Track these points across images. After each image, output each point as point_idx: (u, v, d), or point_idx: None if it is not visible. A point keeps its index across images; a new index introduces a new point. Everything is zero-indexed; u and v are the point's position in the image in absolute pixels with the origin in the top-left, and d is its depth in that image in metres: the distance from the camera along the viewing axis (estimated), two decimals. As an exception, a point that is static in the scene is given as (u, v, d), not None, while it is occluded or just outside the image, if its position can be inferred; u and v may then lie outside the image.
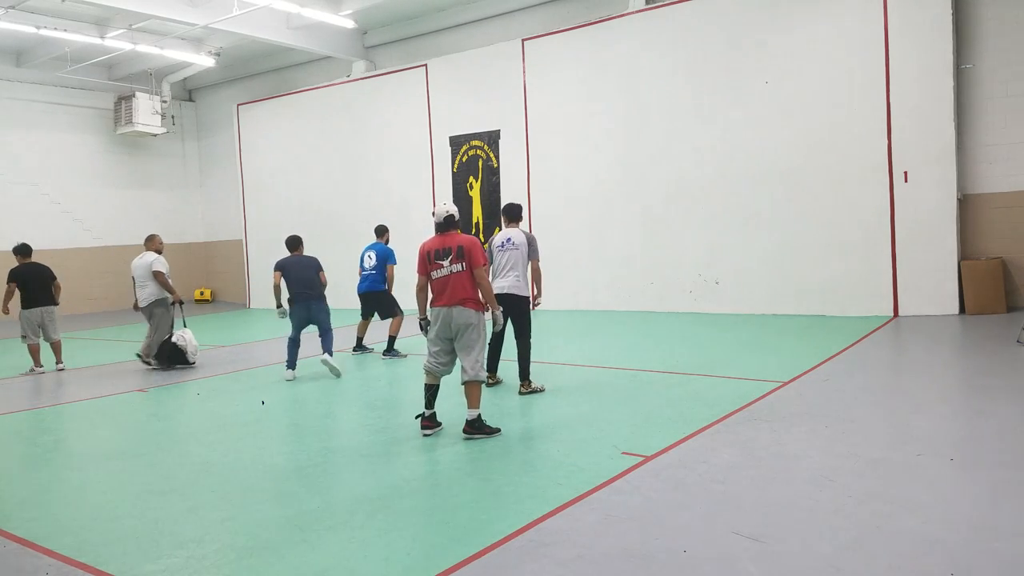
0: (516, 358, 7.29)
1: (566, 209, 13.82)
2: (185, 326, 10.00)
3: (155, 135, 19.27)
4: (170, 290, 9.72)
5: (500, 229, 8.51)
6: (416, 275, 5.86)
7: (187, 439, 6.18)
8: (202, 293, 20.74)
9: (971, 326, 9.50)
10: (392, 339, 9.76)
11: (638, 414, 6.10)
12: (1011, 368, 7.03)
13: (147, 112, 18.62)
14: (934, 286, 10.46)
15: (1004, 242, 10.51)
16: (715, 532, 3.73)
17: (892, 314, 10.70)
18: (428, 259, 5.78)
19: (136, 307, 9.86)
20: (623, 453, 5.06)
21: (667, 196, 12.65)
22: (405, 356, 9.64)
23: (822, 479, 4.35)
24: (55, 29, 14.58)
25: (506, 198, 14.58)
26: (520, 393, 7.13)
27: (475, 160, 14.98)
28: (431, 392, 5.86)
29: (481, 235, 15.01)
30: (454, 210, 5.86)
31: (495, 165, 14.72)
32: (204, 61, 17.41)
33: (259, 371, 9.39)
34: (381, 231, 10.29)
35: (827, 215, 11.18)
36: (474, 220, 15.08)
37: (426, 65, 15.46)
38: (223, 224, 20.62)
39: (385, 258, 9.85)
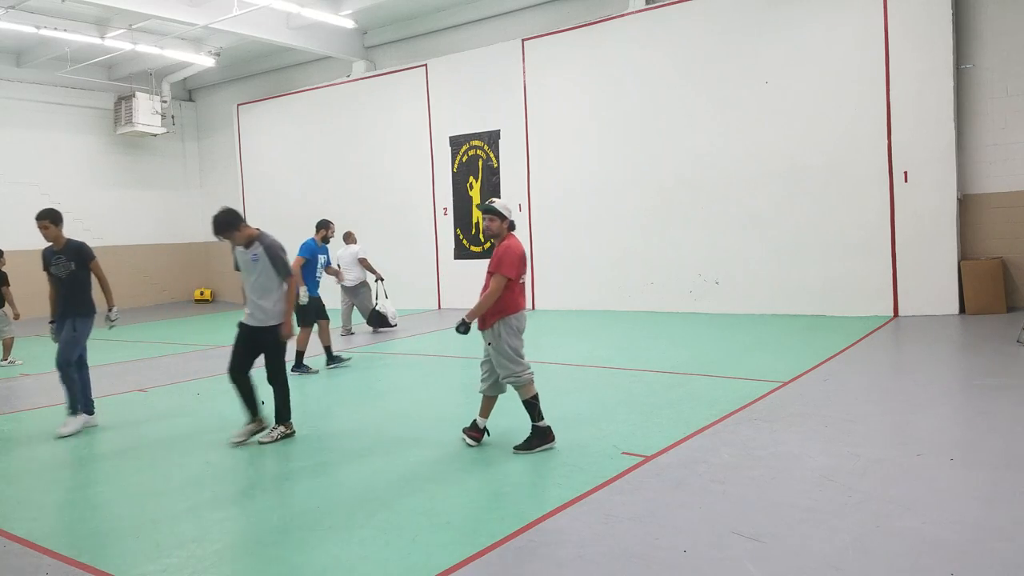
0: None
1: (566, 209, 13.82)
2: (387, 297, 12.40)
3: (155, 135, 19.27)
4: (373, 271, 12.03)
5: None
6: (502, 276, 5.21)
7: (187, 439, 6.18)
8: (202, 293, 20.74)
9: (971, 326, 9.50)
10: (301, 354, 9.06)
11: (638, 414, 6.10)
12: (1011, 368, 7.03)
13: (147, 112, 18.62)
14: (934, 286, 10.46)
15: (1004, 242, 10.51)
16: (715, 532, 3.73)
17: (892, 314, 10.70)
18: (523, 261, 5.37)
19: (343, 286, 12.06)
20: (623, 453, 5.06)
21: (667, 196, 12.65)
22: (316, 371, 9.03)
23: (822, 479, 4.35)
24: (55, 29, 14.57)
25: (506, 198, 14.60)
26: (260, 442, 5.90)
27: (475, 160, 14.97)
28: (538, 399, 5.33)
29: (481, 235, 15.02)
30: None
31: (495, 165, 14.71)
32: (204, 61, 17.41)
33: (258, 371, 9.38)
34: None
35: (827, 215, 11.18)
36: (474, 220, 15.08)
37: (426, 65, 15.46)
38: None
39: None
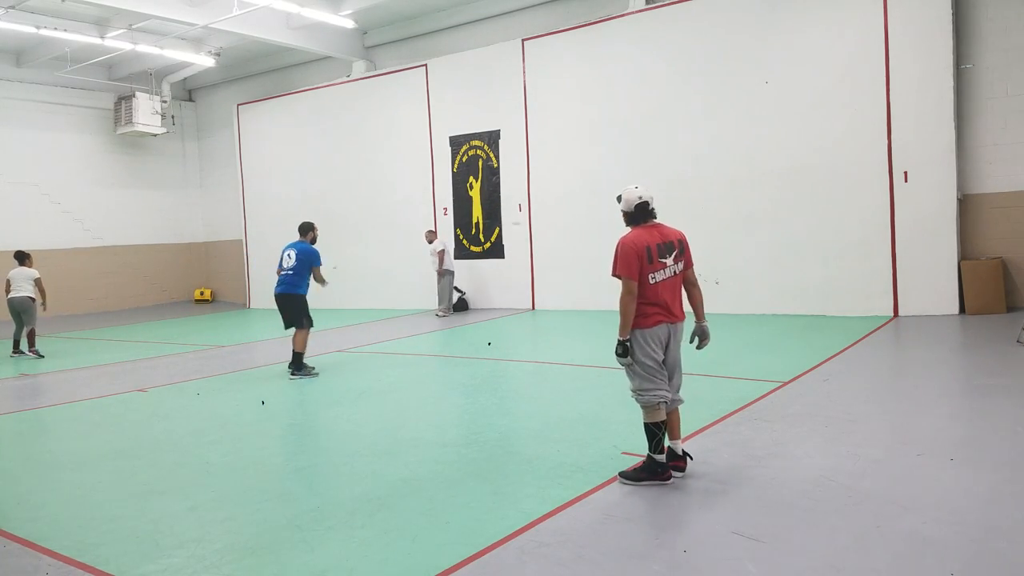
0: None
1: (566, 209, 13.82)
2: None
3: (155, 135, 19.27)
4: (440, 263, 14.13)
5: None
6: (623, 279, 4.45)
7: (187, 439, 6.18)
8: (202, 293, 20.74)
9: (971, 326, 9.50)
10: (299, 355, 8.74)
11: (638, 414, 6.07)
12: (1011, 368, 7.03)
13: (147, 112, 18.62)
14: (934, 286, 10.46)
15: (1004, 242, 10.51)
16: (715, 532, 3.73)
17: (892, 314, 10.70)
18: (648, 256, 4.47)
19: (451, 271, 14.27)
20: (623, 453, 5.06)
21: (667, 196, 12.57)
22: (317, 374, 8.77)
23: (822, 479, 4.35)
24: (55, 29, 14.57)
25: (506, 198, 14.62)
26: None
27: (475, 160, 14.97)
28: (663, 429, 4.53)
29: (481, 235, 15.02)
30: (649, 196, 4.71)
31: (495, 165, 14.71)
32: (204, 61, 17.41)
33: (259, 371, 9.39)
34: (305, 229, 9.13)
35: (827, 215, 11.18)
36: (474, 220, 15.08)
37: (426, 65, 15.46)
38: (223, 224, 20.63)
39: (310, 259, 8.82)
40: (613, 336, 5.01)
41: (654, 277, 4.49)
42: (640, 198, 4.66)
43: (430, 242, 14.22)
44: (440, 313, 14.18)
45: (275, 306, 8.96)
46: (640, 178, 13.02)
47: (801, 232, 11.41)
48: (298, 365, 8.70)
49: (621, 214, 4.77)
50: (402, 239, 15.87)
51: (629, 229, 4.71)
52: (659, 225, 4.71)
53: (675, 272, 4.61)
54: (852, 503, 3.98)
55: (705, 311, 4.85)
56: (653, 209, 4.71)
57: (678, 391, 4.70)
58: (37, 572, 3.69)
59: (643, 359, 4.47)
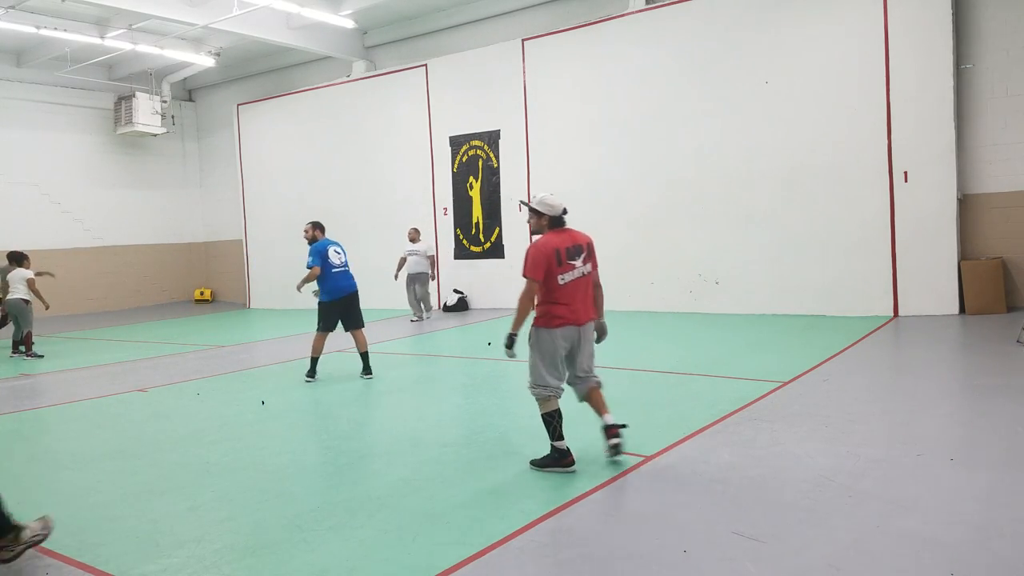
0: None
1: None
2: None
3: (155, 135, 19.26)
4: (434, 266, 14.13)
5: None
6: (528, 279, 4.71)
7: (187, 439, 6.19)
8: (202, 293, 20.74)
9: (971, 326, 9.50)
10: (365, 354, 8.56)
11: (638, 414, 6.10)
12: (1011, 368, 7.03)
13: (147, 112, 18.60)
14: (934, 286, 10.46)
15: (1004, 242, 10.51)
16: (715, 532, 3.73)
17: (892, 314, 10.70)
18: (557, 259, 4.71)
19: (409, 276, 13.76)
20: (623, 453, 5.06)
21: (667, 196, 12.64)
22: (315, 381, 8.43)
23: (822, 479, 4.35)
24: (55, 29, 14.57)
25: (506, 198, 14.61)
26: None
27: (475, 160, 14.97)
28: (558, 418, 4.83)
29: (481, 235, 15.02)
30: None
31: (495, 165, 14.71)
32: (204, 61, 17.41)
33: (259, 371, 9.40)
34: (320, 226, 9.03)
35: (827, 215, 11.18)
36: (474, 220, 15.08)
37: (426, 65, 15.46)
38: (223, 224, 20.63)
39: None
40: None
41: (563, 278, 4.72)
42: (562, 204, 4.93)
43: (413, 240, 13.72)
44: (427, 316, 14.00)
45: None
46: (640, 178, 13.09)
47: (801, 232, 11.41)
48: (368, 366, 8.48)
49: (535, 216, 4.96)
50: (402, 239, 15.85)
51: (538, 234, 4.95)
52: (569, 230, 4.94)
53: (584, 273, 4.83)
54: (852, 503, 3.99)
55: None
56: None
57: (591, 372, 4.95)
58: (37, 572, 3.69)
59: (547, 352, 4.74)
